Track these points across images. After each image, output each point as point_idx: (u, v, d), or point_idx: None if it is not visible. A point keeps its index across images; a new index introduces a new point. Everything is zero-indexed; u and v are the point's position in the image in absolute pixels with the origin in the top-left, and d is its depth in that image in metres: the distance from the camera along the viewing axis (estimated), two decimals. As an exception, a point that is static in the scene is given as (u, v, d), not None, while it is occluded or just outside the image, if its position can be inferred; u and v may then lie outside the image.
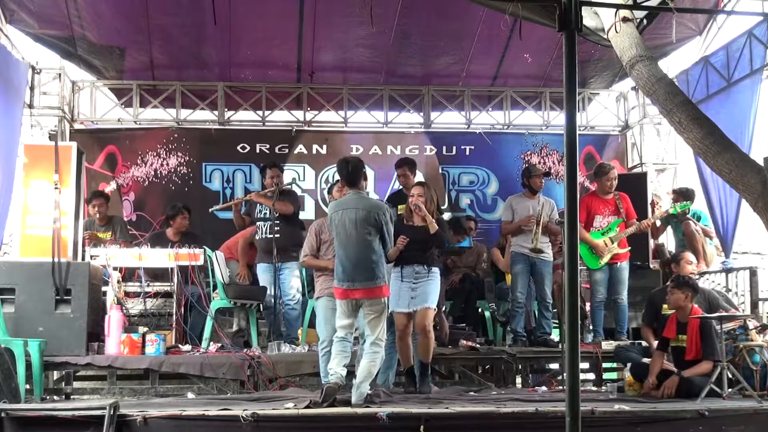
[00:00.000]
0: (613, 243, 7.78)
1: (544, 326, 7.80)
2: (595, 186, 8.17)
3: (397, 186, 9.10)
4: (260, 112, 10.52)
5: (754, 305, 7.92)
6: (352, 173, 6.02)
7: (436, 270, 6.40)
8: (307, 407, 5.27)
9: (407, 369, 6.41)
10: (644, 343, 7.31)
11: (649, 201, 9.13)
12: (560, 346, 7.29)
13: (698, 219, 8.87)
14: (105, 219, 8.55)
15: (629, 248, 7.92)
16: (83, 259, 7.31)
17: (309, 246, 6.52)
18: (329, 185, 8.04)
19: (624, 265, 7.88)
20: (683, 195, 8.81)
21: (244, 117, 10.69)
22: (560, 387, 6.85)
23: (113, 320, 6.91)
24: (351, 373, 6.03)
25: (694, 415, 5.31)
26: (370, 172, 10.36)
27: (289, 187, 8.21)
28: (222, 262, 7.72)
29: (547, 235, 7.81)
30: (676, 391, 6.14)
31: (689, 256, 7.70)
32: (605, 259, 7.78)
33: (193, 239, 8.06)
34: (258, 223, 7.88)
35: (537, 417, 5.13)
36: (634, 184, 9.15)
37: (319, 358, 6.32)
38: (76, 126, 10.11)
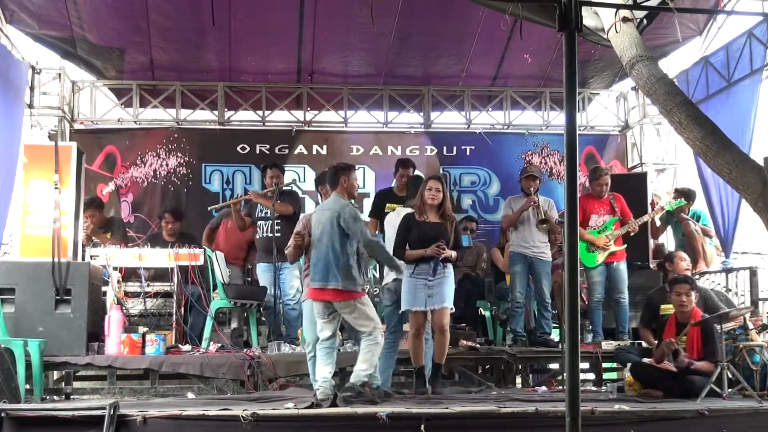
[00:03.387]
0: (609, 241, 7.80)
1: (543, 326, 7.80)
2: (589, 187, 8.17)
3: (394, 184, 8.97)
4: (260, 112, 10.52)
5: (754, 305, 7.92)
6: (330, 178, 6.11)
7: (450, 266, 6.31)
8: (308, 407, 5.26)
9: (418, 369, 6.36)
10: (644, 344, 7.31)
11: (649, 201, 9.13)
12: (560, 346, 7.30)
13: (698, 219, 8.88)
14: (103, 222, 8.54)
15: (625, 245, 7.92)
16: (83, 259, 7.31)
17: None
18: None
19: (622, 264, 7.88)
20: (684, 195, 8.82)
21: (244, 117, 10.69)
22: (560, 387, 6.85)
23: (113, 320, 6.91)
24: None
25: (694, 415, 5.31)
26: (370, 173, 10.43)
27: (290, 187, 8.20)
28: (222, 262, 7.72)
29: (546, 234, 7.82)
30: (676, 391, 6.15)
31: (682, 254, 7.75)
32: (602, 257, 7.79)
33: (187, 239, 8.08)
34: (258, 223, 7.90)
35: (537, 417, 5.13)
36: (634, 184, 9.17)
37: (307, 361, 6.27)
38: (76, 126, 10.10)
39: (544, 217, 7.59)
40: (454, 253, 6.24)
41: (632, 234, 7.88)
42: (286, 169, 9.28)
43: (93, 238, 8.07)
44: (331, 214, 5.86)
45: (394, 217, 6.68)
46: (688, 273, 7.42)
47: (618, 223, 7.87)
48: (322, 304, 5.84)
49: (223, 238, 8.49)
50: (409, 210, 6.59)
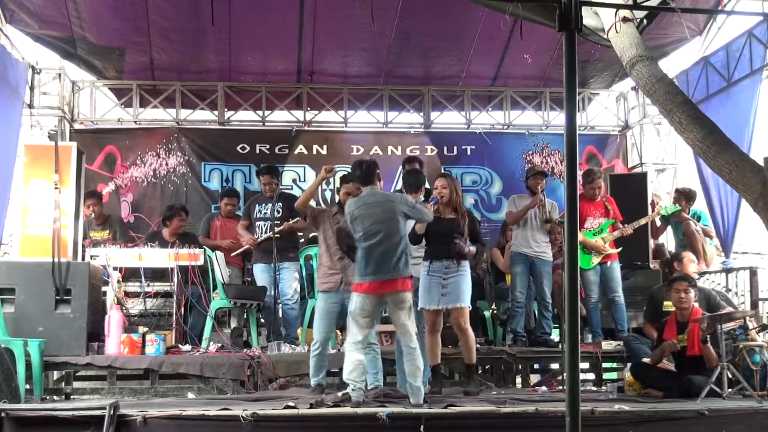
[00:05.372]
0: (605, 243, 7.82)
1: (543, 326, 7.81)
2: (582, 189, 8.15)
3: (399, 185, 9.00)
4: (260, 112, 10.52)
5: (754, 305, 7.92)
6: (365, 173, 5.95)
7: (465, 264, 6.27)
8: (311, 407, 5.27)
9: (433, 367, 6.33)
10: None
11: (649, 201, 9.13)
12: (560, 346, 7.30)
13: (698, 219, 8.88)
14: (102, 218, 8.56)
15: (620, 248, 7.95)
16: (83, 259, 7.31)
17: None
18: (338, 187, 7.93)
19: (615, 264, 7.92)
20: (685, 195, 8.82)
21: (244, 117, 10.68)
22: (560, 387, 6.85)
23: (113, 320, 6.91)
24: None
25: (694, 415, 5.31)
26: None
27: (290, 190, 8.17)
28: (222, 262, 7.72)
29: (547, 234, 7.83)
30: (676, 391, 6.16)
31: (691, 255, 7.74)
32: (597, 259, 7.82)
33: (188, 239, 8.06)
34: (258, 224, 7.88)
35: (537, 417, 5.13)
36: (634, 184, 9.16)
37: (310, 359, 6.23)
38: (76, 126, 10.10)
39: (547, 217, 7.61)
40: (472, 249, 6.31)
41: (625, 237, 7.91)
42: (286, 169, 9.25)
43: (91, 234, 8.09)
44: (389, 206, 5.78)
45: None
46: (695, 274, 7.42)
47: (611, 226, 7.88)
48: (376, 299, 5.63)
49: (222, 237, 8.48)
50: None
